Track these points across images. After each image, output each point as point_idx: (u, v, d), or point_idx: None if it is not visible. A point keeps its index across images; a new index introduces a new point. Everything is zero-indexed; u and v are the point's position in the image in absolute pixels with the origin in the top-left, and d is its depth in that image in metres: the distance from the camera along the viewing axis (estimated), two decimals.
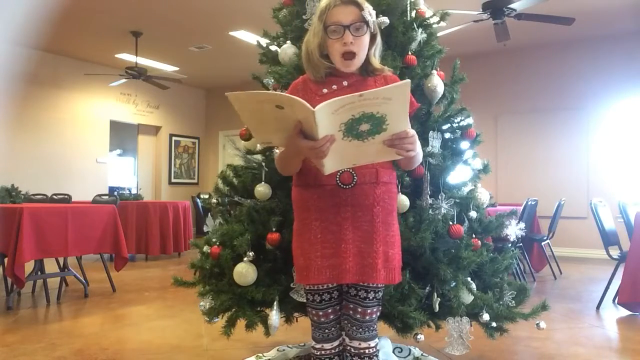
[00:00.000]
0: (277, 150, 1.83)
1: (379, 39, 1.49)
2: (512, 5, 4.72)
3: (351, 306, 1.51)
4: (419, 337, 1.84)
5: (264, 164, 1.94)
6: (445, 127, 2.01)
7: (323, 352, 1.56)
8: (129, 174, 11.24)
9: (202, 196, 7.61)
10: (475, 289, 1.84)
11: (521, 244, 4.39)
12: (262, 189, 1.89)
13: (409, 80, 1.17)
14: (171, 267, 5.55)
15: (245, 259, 1.78)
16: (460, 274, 1.80)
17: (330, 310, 1.53)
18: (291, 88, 1.55)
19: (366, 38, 1.44)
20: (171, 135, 9.83)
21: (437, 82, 1.94)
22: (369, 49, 1.47)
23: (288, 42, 2.06)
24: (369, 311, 1.49)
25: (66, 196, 5.09)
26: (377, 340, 1.54)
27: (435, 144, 1.92)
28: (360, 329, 1.50)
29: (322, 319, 1.54)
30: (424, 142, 1.86)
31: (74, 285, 4.29)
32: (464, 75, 2.08)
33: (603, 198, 4.32)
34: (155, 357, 2.46)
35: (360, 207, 1.43)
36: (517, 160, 7.22)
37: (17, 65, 7.07)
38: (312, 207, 1.45)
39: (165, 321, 3.19)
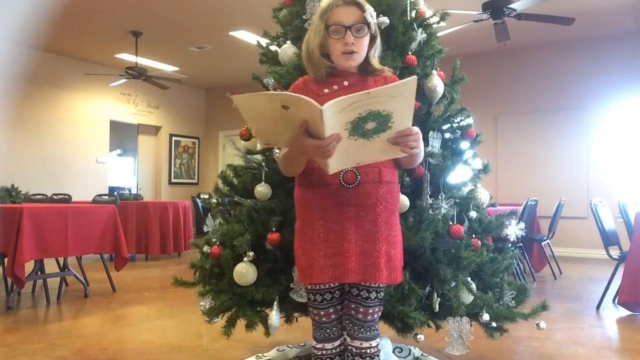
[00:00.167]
0: (277, 151, 1.83)
1: (378, 40, 1.50)
2: (512, 5, 4.72)
3: (353, 306, 1.51)
4: (419, 337, 1.84)
5: (264, 164, 1.94)
6: (445, 127, 2.01)
7: (324, 351, 1.56)
8: (129, 174, 11.24)
9: (202, 196, 7.61)
10: (475, 289, 1.84)
11: (521, 244, 4.39)
12: (262, 189, 1.89)
13: (415, 77, 1.17)
14: (171, 267, 5.55)
15: (245, 259, 1.78)
16: (460, 274, 1.80)
17: (331, 310, 1.54)
18: (292, 89, 1.55)
19: (367, 39, 1.45)
20: (171, 135, 9.83)
21: (437, 82, 1.94)
22: (369, 50, 1.48)
23: (288, 42, 2.06)
24: (370, 311, 1.50)
25: (66, 196, 5.09)
26: (378, 340, 1.55)
27: (435, 144, 1.92)
28: (362, 329, 1.50)
29: (324, 319, 1.54)
30: (424, 142, 1.85)
31: (74, 285, 4.29)
32: (464, 75, 2.08)
33: (603, 198, 4.32)
34: (155, 357, 2.46)
35: (363, 206, 1.43)
36: (517, 160, 7.22)
37: (17, 65, 7.07)
38: (315, 207, 1.45)
39: (165, 321, 3.19)
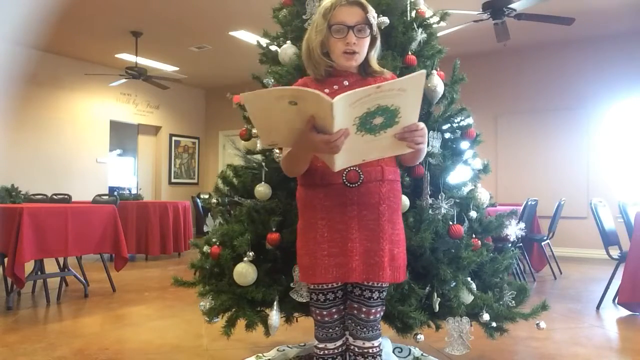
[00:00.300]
0: (277, 151, 1.83)
1: (378, 42, 1.51)
2: (512, 5, 4.72)
3: (355, 306, 1.51)
4: (419, 337, 1.84)
5: (264, 164, 1.94)
6: (445, 127, 2.01)
7: (326, 351, 1.56)
8: (129, 174, 11.23)
9: (202, 196, 7.61)
10: (475, 289, 1.84)
11: (521, 244, 4.39)
12: (262, 189, 1.89)
13: (424, 71, 1.18)
14: (171, 267, 5.55)
15: (245, 259, 1.78)
16: (460, 274, 1.80)
17: (334, 310, 1.54)
18: None
19: (368, 40, 1.46)
20: (171, 135, 9.83)
21: (437, 82, 1.94)
22: (369, 51, 1.48)
23: (288, 42, 2.06)
24: (373, 311, 1.50)
25: (66, 196, 5.09)
26: (380, 339, 1.55)
27: (435, 144, 1.92)
28: (365, 329, 1.51)
29: (327, 319, 1.54)
30: None
31: (74, 285, 4.29)
32: (464, 75, 2.08)
33: (603, 198, 4.32)
34: (155, 357, 2.46)
35: (366, 205, 1.43)
36: (517, 160, 7.22)
37: (17, 65, 7.07)
38: (318, 206, 1.45)
39: (165, 321, 3.19)
